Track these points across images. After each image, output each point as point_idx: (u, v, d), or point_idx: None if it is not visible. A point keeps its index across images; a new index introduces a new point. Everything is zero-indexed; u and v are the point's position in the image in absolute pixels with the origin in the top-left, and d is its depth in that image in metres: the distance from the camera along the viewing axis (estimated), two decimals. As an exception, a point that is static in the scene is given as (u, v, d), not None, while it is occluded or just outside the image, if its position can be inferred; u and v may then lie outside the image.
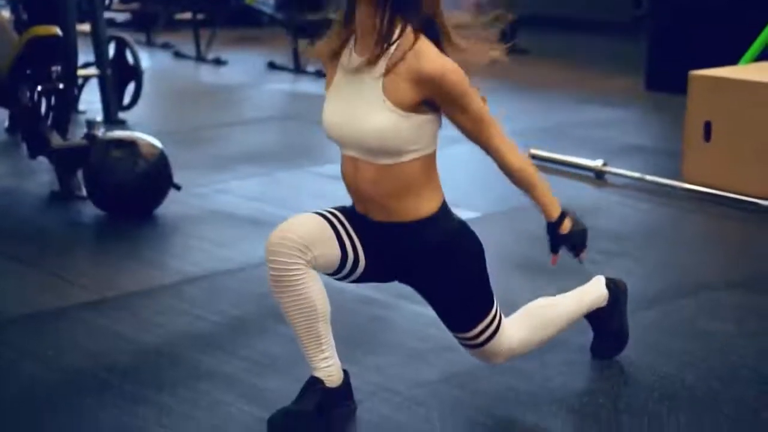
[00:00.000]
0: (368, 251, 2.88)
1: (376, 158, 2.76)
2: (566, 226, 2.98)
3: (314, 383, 2.91)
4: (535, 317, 3.13)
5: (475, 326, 2.95)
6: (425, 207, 2.82)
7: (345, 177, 2.88)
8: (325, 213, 2.88)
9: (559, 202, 2.98)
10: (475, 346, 3.00)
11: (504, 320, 3.03)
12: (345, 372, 2.96)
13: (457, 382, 3.19)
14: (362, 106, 2.74)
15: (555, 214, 2.96)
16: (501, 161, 2.88)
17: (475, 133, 2.83)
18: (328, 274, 2.91)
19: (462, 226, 2.91)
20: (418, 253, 2.86)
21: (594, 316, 3.31)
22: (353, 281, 2.96)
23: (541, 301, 3.20)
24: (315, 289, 2.83)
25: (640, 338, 3.51)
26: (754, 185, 5.03)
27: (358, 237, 2.87)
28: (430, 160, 2.81)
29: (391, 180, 2.77)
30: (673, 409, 3.02)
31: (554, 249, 3.02)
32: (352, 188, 2.87)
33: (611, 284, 3.35)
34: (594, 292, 3.29)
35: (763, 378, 3.22)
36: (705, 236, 4.80)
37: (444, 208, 2.87)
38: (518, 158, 2.90)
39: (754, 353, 3.40)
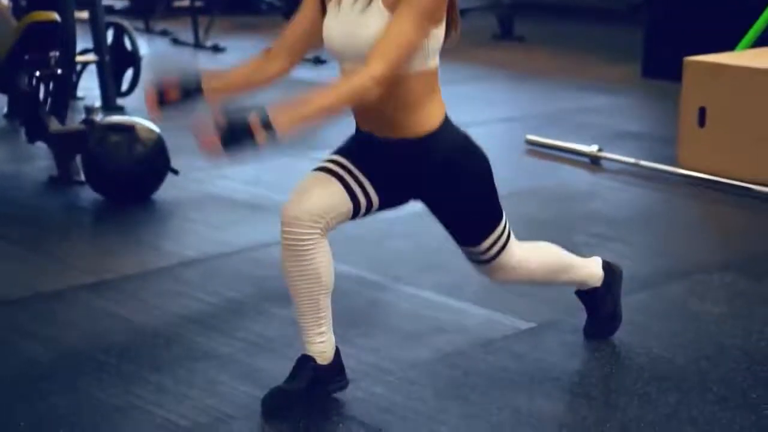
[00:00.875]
0: (378, 182, 2.89)
1: None
2: (252, 118, 2.63)
3: (306, 361, 2.95)
4: (544, 251, 3.21)
5: (484, 239, 2.98)
6: (429, 122, 2.83)
7: None
8: (330, 167, 2.89)
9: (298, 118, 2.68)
10: (484, 261, 3.04)
11: (514, 239, 3.08)
12: (337, 349, 3.00)
13: (450, 362, 3.23)
14: (361, 16, 2.74)
15: (278, 117, 2.64)
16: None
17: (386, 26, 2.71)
18: (349, 220, 2.94)
19: (467, 140, 2.93)
20: (425, 167, 2.87)
21: (588, 297, 3.35)
22: (373, 214, 2.99)
23: (552, 245, 3.27)
24: (324, 263, 2.88)
25: (632, 320, 3.55)
26: (747, 171, 5.07)
27: (367, 173, 2.88)
28: (432, 76, 2.81)
29: (395, 93, 2.76)
30: (663, 389, 3.06)
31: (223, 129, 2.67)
32: (358, 106, 2.84)
33: (608, 267, 3.39)
34: (592, 267, 3.34)
35: (752, 359, 3.26)
36: (698, 221, 4.84)
37: (447, 123, 2.87)
38: (367, 74, 2.67)
39: (743, 335, 3.44)
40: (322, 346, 2.95)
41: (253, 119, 2.60)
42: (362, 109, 2.86)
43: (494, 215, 2.99)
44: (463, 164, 2.90)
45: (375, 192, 2.91)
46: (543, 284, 3.34)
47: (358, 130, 2.96)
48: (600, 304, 3.37)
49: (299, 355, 2.96)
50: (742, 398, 3.01)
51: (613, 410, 2.94)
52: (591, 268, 3.34)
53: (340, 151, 2.95)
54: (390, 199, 2.96)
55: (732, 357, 3.28)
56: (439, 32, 2.79)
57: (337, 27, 2.80)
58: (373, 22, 2.73)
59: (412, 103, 2.81)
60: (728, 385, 3.09)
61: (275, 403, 2.91)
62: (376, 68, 2.66)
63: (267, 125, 2.62)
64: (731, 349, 3.33)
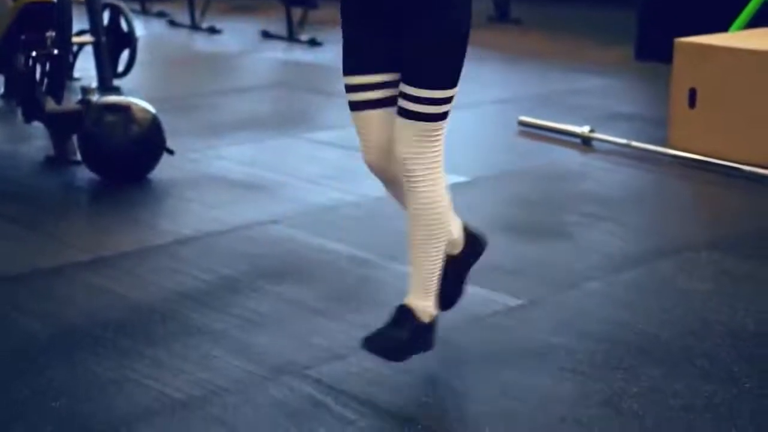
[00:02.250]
0: (388, 60, 2.91)
1: None
2: None
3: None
4: (445, 202, 3.03)
5: (429, 87, 2.86)
6: None
7: None
8: (360, 99, 2.94)
9: None
10: (411, 113, 2.87)
11: (442, 163, 2.98)
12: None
13: (440, 338, 3.26)
14: None
15: None
16: None
17: None
18: None
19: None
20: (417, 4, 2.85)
21: (401, 314, 3.07)
22: None
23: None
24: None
25: (621, 297, 3.62)
26: (736, 151, 5.12)
27: (377, 67, 2.91)
28: None
29: None
30: (648, 363, 3.13)
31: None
32: None
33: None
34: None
35: (736, 334, 3.32)
36: (687, 201, 4.90)
37: None
38: None
39: (728, 311, 3.50)
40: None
41: None
42: None
43: (454, 71, 2.92)
44: (450, 11, 2.87)
45: (393, 74, 2.92)
46: (413, 231, 3.02)
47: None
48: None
49: (293, 332, 3.00)
50: (725, 372, 3.07)
51: (598, 383, 3.01)
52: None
53: (346, 70, 2.95)
54: (401, 62, 2.93)
55: (717, 333, 3.34)
56: None
57: None
58: None
59: None
60: (712, 360, 3.15)
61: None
62: None
63: None
64: (716, 325, 3.40)
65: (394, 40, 2.90)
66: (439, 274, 3.02)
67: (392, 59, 2.92)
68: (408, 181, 2.92)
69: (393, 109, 2.92)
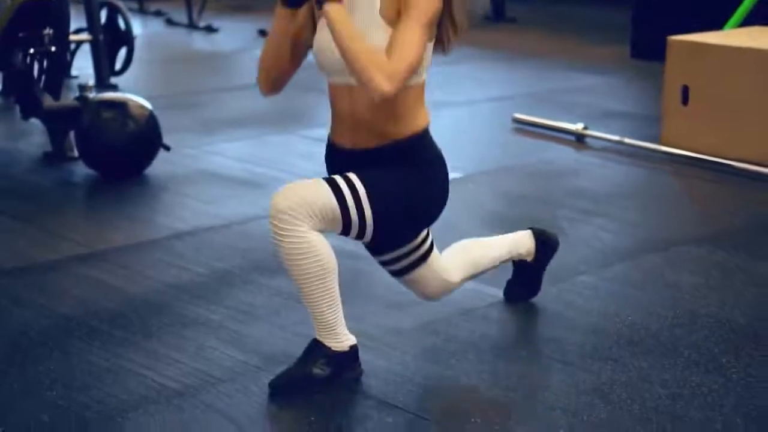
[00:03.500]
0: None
1: None
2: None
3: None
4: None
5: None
6: (413, 127, 2.90)
7: (338, 107, 2.93)
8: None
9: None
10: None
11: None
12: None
13: (432, 329, 3.34)
14: (359, 28, 2.77)
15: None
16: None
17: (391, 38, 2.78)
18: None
19: (441, 157, 2.99)
20: (390, 161, 2.90)
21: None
22: None
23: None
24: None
25: (610, 289, 3.66)
26: (728, 148, 5.17)
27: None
28: (421, 89, 2.91)
29: (388, 105, 2.82)
30: (637, 353, 3.17)
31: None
32: (346, 119, 2.91)
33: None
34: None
35: (724, 326, 3.36)
36: (679, 196, 4.94)
37: (428, 133, 2.96)
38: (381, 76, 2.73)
39: (717, 303, 3.54)
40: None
41: None
42: (351, 124, 2.91)
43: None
44: (427, 168, 2.94)
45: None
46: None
47: (330, 147, 3.00)
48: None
49: (287, 323, 3.04)
50: (713, 363, 3.12)
51: (587, 373, 3.05)
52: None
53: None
54: None
55: (705, 324, 3.38)
56: (430, 46, 2.88)
57: (330, 38, 2.79)
58: (375, 37, 2.78)
59: (402, 114, 2.88)
60: (700, 351, 3.19)
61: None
62: (389, 84, 2.71)
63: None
64: (705, 317, 3.44)
65: None
66: (335, 311, 2.93)
67: None
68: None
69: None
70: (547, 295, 3.56)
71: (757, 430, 2.75)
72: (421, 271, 3.15)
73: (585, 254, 4.01)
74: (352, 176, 2.86)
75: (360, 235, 2.92)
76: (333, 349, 2.93)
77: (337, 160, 2.99)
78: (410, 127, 2.91)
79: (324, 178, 2.88)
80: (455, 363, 3.12)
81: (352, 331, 3.20)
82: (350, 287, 3.67)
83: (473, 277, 3.34)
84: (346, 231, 2.90)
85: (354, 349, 2.97)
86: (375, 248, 3.12)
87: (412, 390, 2.95)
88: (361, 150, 2.92)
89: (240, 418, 2.79)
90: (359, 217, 2.86)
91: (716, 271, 3.86)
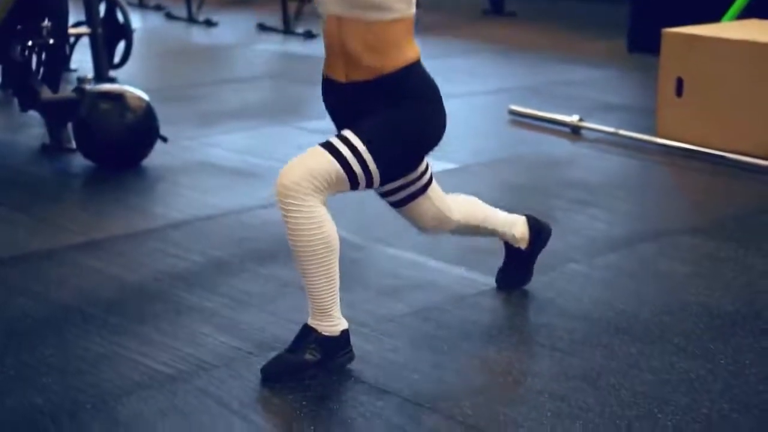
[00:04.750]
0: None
1: (364, 12, 2.86)
2: None
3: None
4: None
5: (362, 140, 2.92)
6: (403, 59, 2.92)
7: (329, 38, 2.96)
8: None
9: None
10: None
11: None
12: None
13: (423, 316, 3.37)
14: None
15: None
16: None
17: None
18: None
19: (436, 89, 3.01)
20: (384, 95, 2.93)
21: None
22: None
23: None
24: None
25: (602, 278, 3.69)
26: (721, 139, 5.20)
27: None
28: (410, 23, 2.93)
29: (377, 36, 2.87)
30: (626, 340, 3.20)
31: None
32: (336, 51, 2.95)
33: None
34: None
35: (713, 314, 3.39)
36: (672, 187, 4.98)
37: (420, 65, 2.97)
38: None
39: (706, 292, 3.57)
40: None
41: None
42: (340, 54, 2.95)
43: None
44: (415, 98, 2.95)
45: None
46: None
47: (325, 82, 3.04)
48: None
49: (282, 310, 3.08)
50: (701, 350, 3.15)
51: (576, 359, 3.08)
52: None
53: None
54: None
55: (694, 313, 3.41)
56: None
57: None
58: None
59: (390, 47, 2.91)
60: (688, 338, 3.22)
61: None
62: None
63: None
64: (694, 305, 3.47)
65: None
66: (332, 292, 2.99)
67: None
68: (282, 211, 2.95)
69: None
70: (538, 283, 3.60)
71: (743, 414, 2.78)
72: (420, 202, 3.19)
73: (578, 243, 4.04)
74: (348, 134, 2.91)
75: (369, 186, 2.99)
76: (324, 334, 2.97)
77: (332, 95, 3.04)
78: (399, 60, 2.93)
79: (321, 144, 2.93)
80: (447, 349, 3.15)
81: (345, 317, 3.23)
82: (344, 275, 3.68)
83: (467, 229, 3.38)
84: (354, 187, 2.97)
85: (345, 334, 3.01)
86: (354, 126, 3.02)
87: (404, 375, 2.98)
88: (353, 83, 2.96)
89: (232, 403, 2.82)
90: (364, 171, 2.92)
91: (707, 260, 3.89)
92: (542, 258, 3.59)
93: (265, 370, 2.96)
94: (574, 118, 5.68)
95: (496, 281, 3.58)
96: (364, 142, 2.90)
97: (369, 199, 4.51)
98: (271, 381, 2.94)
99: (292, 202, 2.87)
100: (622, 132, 5.50)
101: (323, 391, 2.90)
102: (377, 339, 3.21)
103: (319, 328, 2.97)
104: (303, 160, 2.90)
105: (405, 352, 3.13)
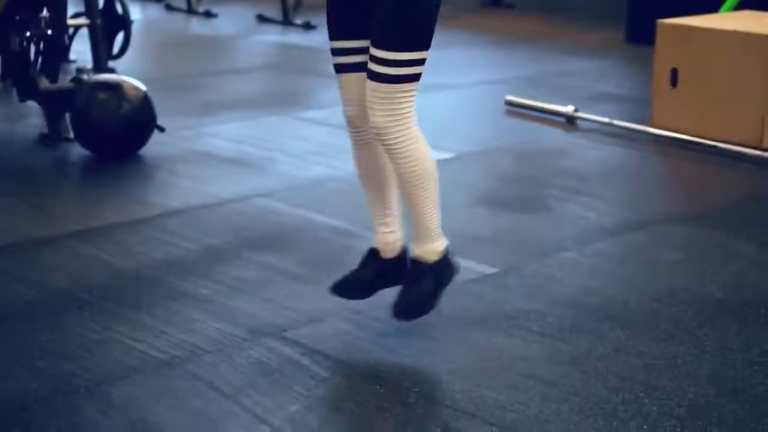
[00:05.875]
0: (361, 23, 3.03)
1: None
2: None
3: (373, 254, 3.20)
4: (430, 162, 3.08)
5: (396, 49, 2.93)
6: None
7: None
8: (341, 63, 3.09)
9: None
10: (381, 76, 2.95)
11: (414, 117, 3.04)
12: (405, 249, 3.20)
13: (415, 303, 3.40)
14: None
15: None
16: None
17: None
18: None
19: None
20: None
21: (425, 267, 3.16)
22: None
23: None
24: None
25: (592, 265, 3.73)
26: (715, 129, 5.23)
27: (357, 33, 3.05)
28: None
29: None
30: (614, 326, 3.24)
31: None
32: None
33: (448, 260, 3.20)
34: (438, 237, 3.16)
35: (702, 301, 3.43)
36: (664, 176, 5.01)
37: None
38: None
39: (696, 279, 3.61)
40: (387, 236, 3.18)
41: None
42: None
43: (421, 35, 2.97)
44: None
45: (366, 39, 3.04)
46: (404, 185, 3.09)
47: None
48: (424, 279, 3.16)
49: (276, 297, 3.14)
50: (688, 336, 3.19)
51: (565, 345, 3.12)
52: (437, 226, 3.15)
53: (330, 34, 3.11)
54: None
55: (683, 299, 3.45)
56: None
57: None
58: None
59: None
60: (676, 324, 3.26)
61: (344, 289, 3.18)
62: None
63: None
64: (683, 292, 3.50)
65: (368, 8, 3.01)
66: (436, 216, 3.13)
67: (367, 27, 3.02)
68: (384, 143, 3.01)
69: (360, 75, 3.05)
70: (529, 270, 3.63)
71: (728, 399, 2.82)
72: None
73: (569, 231, 4.07)
74: (379, 52, 2.95)
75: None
76: (433, 260, 3.13)
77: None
78: None
79: (373, 78, 2.97)
80: (438, 335, 3.19)
81: (339, 304, 3.29)
82: (337, 262, 3.75)
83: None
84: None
85: (448, 248, 3.18)
86: (379, 39, 2.98)
87: (395, 361, 3.02)
88: None
89: (224, 387, 2.86)
90: (418, 62, 2.98)
91: (697, 248, 3.93)
92: (535, 246, 3.63)
93: (400, 309, 3.12)
94: (569, 109, 5.71)
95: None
96: (398, 48, 2.93)
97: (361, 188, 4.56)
98: (404, 317, 3.14)
99: (393, 136, 2.99)
100: (616, 122, 5.53)
101: (314, 376, 2.93)
102: (368, 325, 3.24)
103: (428, 257, 3.13)
104: (377, 98, 2.98)
105: (396, 338, 3.17)
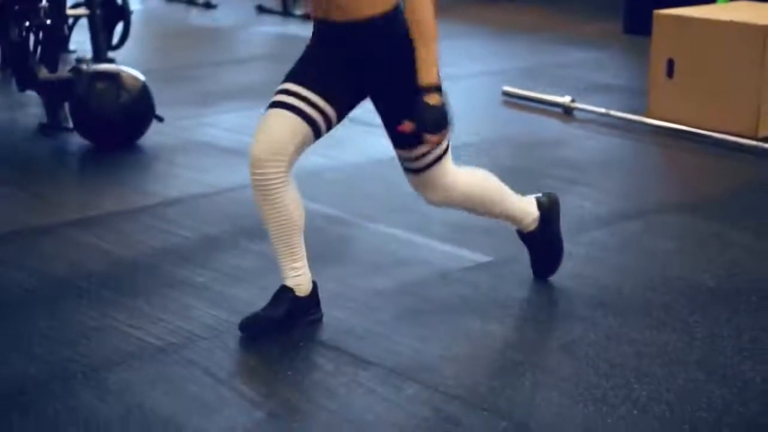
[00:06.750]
0: (329, 92, 3.02)
1: None
2: (434, 98, 2.96)
3: (284, 292, 3.15)
4: (483, 179, 3.29)
5: (419, 144, 3.05)
6: (381, 4, 2.97)
7: None
8: (285, 100, 3.02)
9: (440, 79, 2.99)
10: (418, 169, 3.13)
11: (452, 164, 3.21)
12: (314, 283, 3.19)
13: (410, 290, 3.44)
14: None
15: (428, 80, 2.95)
16: (408, 3, 2.96)
17: None
18: (313, 143, 3.10)
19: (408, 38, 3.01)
20: (374, 50, 3.00)
21: (528, 238, 3.46)
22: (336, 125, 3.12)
23: (489, 175, 3.35)
24: (292, 201, 3.06)
25: (587, 254, 3.76)
26: (711, 119, 5.26)
27: (317, 90, 3.02)
28: None
29: None
30: (607, 314, 3.27)
31: (412, 117, 3.00)
32: None
33: (543, 201, 3.47)
34: (526, 204, 3.42)
35: (695, 290, 3.46)
36: (660, 166, 5.04)
37: (399, 10, 3.00)
38: (427, 8, 2.93)
39: (690, 268, 3.64)
40: (297, 279, 3.15)
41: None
42: None
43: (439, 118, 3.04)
44: (410, 53, 2.96)
45: (330, 106, 3.04)
46: (477, 212, 3.35)
47: (314, 23, 3.09)
48: (539, 240, 3.47)
49: (276, 285, 3.16)
50: (680, 323, 3.22)
51: (557, 332, 3.16)
52: (525, 205, 3.41)
53: (290, 77, 3.08)
54: (345, 105, 3.08)
55: (676, 288, 3.48)
56: None
57: None
58: None
59: None
60: (668, 312, 3.29)
61: (252, 328, 3.10)
62: (423, 4, 2.91)
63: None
64: (676, 281, 3.54)
65: (350, 85, 3.05)
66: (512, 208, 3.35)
67: (338, 94, 3.04)
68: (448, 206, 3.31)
69: (304, 123, 3.01)
70: (525, 259, 3.66)
71: (718, 384, 2.85)
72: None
73: (565, 220, 4.03)
74: (404, 153, 3.12)
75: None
76: (533, 228, 3.40)
77: (315, 49, 3.09)
78: (374, 4, 2.96)
79: (412, 172, 3.17)
80: (431, 322, 3.22)
81: (331, 291, 3.32)
82: (333, 251, 3.79)
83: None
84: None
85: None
86: (403, 143, 3.12)
87: (388, 347, 3.06)
88: (332, 23, 3.01)
89: (219, 373, 2.90)
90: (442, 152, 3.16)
91: (692, 237, 3.96)
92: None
93: (541, 273, 3.49)
94: (566, 99, 5.73)
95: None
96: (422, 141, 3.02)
97: (360, 180, 4.60)
98: (554, 271, 3.50)
99: (454, 202, 3.28)
100: (613, 113, 5.56)
101: (308, 362, 2.97)
102: (363, 313, 3.28)
103: (529, 227, 3.45)
104: (427, 188, 3.22)
105: (390, 325, 3.20)
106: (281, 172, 3.01)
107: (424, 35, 2.93)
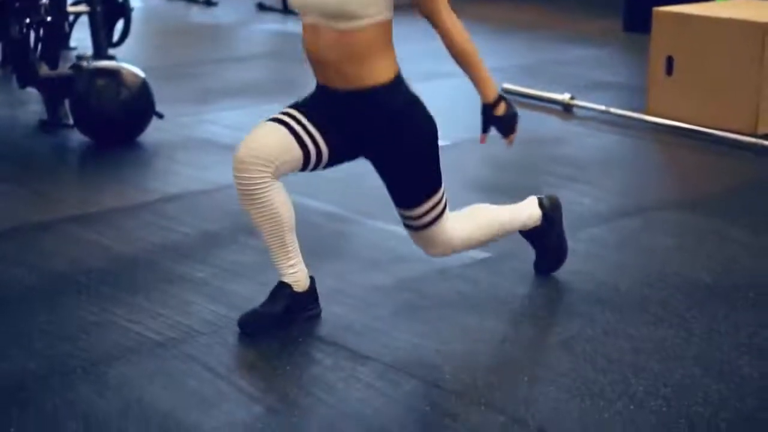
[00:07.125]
0: (328, 135, 3.05)
1: (337, 22, 2.92)
2: (501, 108, 3.17)
3: (282, 288, 3.16)
4: (477, 218, 3.32)
5: (420, 204, 3.12)
6: (381, 74, 3.00)
7: (307, 46, 3.04)
8: (281, 117, 3.06)
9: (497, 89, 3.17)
10: (418, 227, 3.18)
11: (448, 213, 3.23)
12: (311, 279, 3.21)
13: (408, 286, 3.45)
14: None
15: (492, 95, 3.15)
16: (445, 36, 3.04)
17: (424, 3, 3.00)
18: (299, 170, 3.12)
19: (417, 100, 3.08)
20: (372, 121, 3.03)
21: (532, 235, 3.49)
22: (324, 168, 3.16)
23: (483, 206, 3.39)
24: (280, 201, 3.06)
25: (585, 251, 3.77)
26: (710, 117, 5.27)
27: (317, 125, 3.05)
28: (386, 27, 2.98)
29: (350, 45, 2.94)
30: (604, 310, 3.28)
31: (485, 129, 3.21)
32: (313, 56, 3.04)
33: (545, 202, 3.50)
34: (526, 211, 3.45)
35: (692, 286, 3.47)
36: (660, 164, 5.05)
37: (399, 79, 3.03)
38: (461, 36, 3.05)
39: (688, 265, 3.65)
40: (294, 276, 3.16)
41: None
42: (317, 62, 3.03)
43: (434, 180, 3.13)
44: (410, 123, 3.05)
45: (325, 144, 3.06)
46: (485, 244, 3.41)
47: (317, 83, 3.13)
48: (543, 239, 3.50)
49: (274, 282, 3.17)
50: (677, 319, 3.23)
51: (555, 327, 3.17)
52: (525, 212, 3.44)
53: (293, 106, 3.12)
54: (339, 153, 3.12)
55: (674, 284, 3.49)
56: None
57: None
58: None
59: (364, 55, 2.96)
60: (666, 308, 3.30)
61: (251, 324, 3.11)
62: (458, 32, 3.05)
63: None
64: (674, 277, 3.54)
65: (347, 142, 3.09)
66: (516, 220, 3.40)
67: (336, 141, 3.08)
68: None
69: (296, 144, 3.03)
70: (523, 256, 3.67)
71: (714, 379, 2.86)
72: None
73: (565, 218, 4.03)
74: (404, 212, 3.18)
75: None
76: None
77: (319, 98, 3.10)
78: (375, 73, 2.98)
79: (412, 230, 3.21)
80: (429, 318, 3.24)
81: (329, 287, 3.33)
82: (331, 247, 3.80)
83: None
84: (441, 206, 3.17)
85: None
86: (403, 203, 3.19)
87: (387, 343, 3.07)
88: (333, 90, 3.03)
89: (218, 368, 2.91)
90: (438, 201, 3.17)
91: (690, 234, 3.97)
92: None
93: (545, 269, 3.53)
94: (565, 97, 5.74)
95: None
96: (419, 202, 3.12)
97: (358, 177, 4.59)
98: (558, 267, 3.53)
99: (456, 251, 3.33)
100: (612, 110, 5.57)
101: (307, 357, 2.98)
102: (361, 308, 3.29)
103: (534, 224, 3.47)
104: (427, 245, 3.27)
105: (388, 321, 3.21)
106: (264, 176, 3.02)
107: (472, 63, 3.09)
